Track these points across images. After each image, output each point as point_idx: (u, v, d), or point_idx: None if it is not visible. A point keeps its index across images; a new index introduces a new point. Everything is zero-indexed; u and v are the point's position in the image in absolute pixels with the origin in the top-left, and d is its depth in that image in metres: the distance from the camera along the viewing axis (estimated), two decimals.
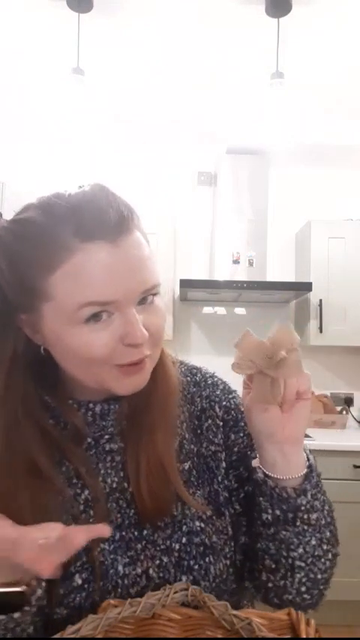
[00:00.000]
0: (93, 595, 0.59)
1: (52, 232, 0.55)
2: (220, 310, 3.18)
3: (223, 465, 0.71)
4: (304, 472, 0.64)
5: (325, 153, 3.17)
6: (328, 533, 0.66)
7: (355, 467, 2.49)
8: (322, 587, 0.66)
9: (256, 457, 0.67)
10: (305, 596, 0.65)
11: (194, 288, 2.80)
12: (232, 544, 0.68)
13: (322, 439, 2.56)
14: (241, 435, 0.73)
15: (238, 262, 2.93)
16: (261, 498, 0.64)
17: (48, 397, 0.64)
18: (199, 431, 0.72)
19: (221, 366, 0.80)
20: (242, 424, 0.73)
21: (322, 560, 0.65)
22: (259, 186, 3.01)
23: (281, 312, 3.19)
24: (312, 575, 0.64)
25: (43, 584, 0.55)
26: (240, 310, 3.16)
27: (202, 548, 0.64)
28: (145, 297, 0.59)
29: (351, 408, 3.12)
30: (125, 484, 0.65)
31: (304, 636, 0.51)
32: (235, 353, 0.60)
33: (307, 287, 2.80)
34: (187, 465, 0.69)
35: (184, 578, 0.62)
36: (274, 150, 3.09)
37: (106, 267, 0.55)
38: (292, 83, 2.30)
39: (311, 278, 2.84)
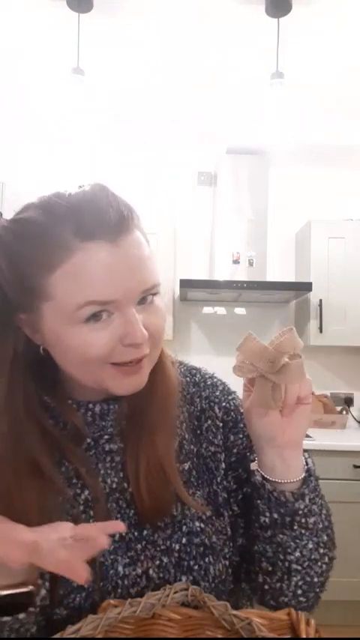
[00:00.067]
0: (93, 595, 0.59)
1: (53, 232, 0.55)
2: (220, 310, 3.18)
3: (223, 465, 0.71)
4: (302, 476, 0.64)
5: (325, 153, 3.17)
6: (325, 537, 0.66)
7: (355, 467, 2.49)
8: (318, 590, 0.66)
9: (255, 459, 0.67)
10: (301, 598, 0.65)
11: (194, 288, 2.80)
12: (231, 545, 0.68)
13: (322, 439, 2.56)
14: (241, 436, 0.73)
15: (238, 262, 2.93)
16: (259, 501, 0.64)
17: (47, 397, 0.64)
18: (198, 431, 0.72)
19: (221, 367, 0.80)
20: (241, 425, 0.73)
21: (319, 563, 0.65)
22: (259, 186, 3.01)
23: (281, 312, 3.19)
24: (308, 579, 0.64)
25: (47, 584, 0.55)
26: (240, 310, 3.16)
27: (202, 549, 0.64)
28: (145, 296, 0.59)
29: (351, 408, 3.13)
30: (125, 484, 0.65)
31: (304, 636, 0.51)
32: (236, 355, 0.60)
33: (307, 287, 2.80)
34: (186, 466, 0.69)
35: (184, 578, 0.62)
36: (274, 150, 3.09)
37: (106, 266, 0.55)
38: (292, 83, 2.30)
39: (311, 278, 2.84)
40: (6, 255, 0.58)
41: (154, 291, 0.59)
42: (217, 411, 0.73)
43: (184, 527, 0.64)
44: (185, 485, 0.66)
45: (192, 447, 0.70)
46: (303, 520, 0.63)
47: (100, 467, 0.65)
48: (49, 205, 0.57)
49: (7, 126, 3.03)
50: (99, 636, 0.50)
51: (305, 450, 0.66)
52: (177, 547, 0.63)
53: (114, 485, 0.65)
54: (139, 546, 0.63)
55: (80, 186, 0.59)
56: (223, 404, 0.74)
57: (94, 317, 0.56)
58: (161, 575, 0.62)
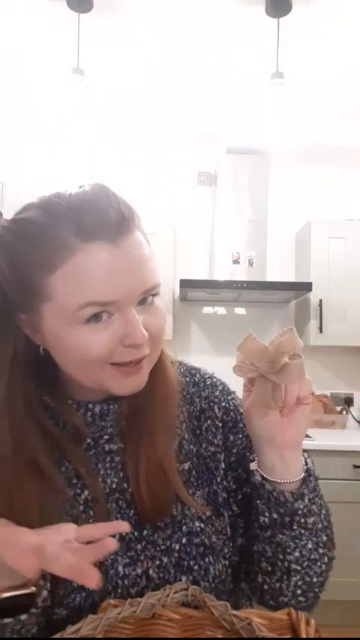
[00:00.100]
0: (93, 595, 0.59)
1: (53, 232, 0.55)
2: (220, 310, 3.18)
3: (222, 465, 0.71)
4: (302, 476, 0.64)
5: (325, 153, 3.17)
6: (324, 537, 0.66)
7: (355, 467, 2.49)
8: (317, 590, 0.66)
9: (254, 459, 0.67)
10: (300, 598, 0.65)
11: (194, 288, 2.80)
12: (231, 545, 0.68)
13: (322, 439, 2.56)
14: (240, 436, 0.73)
15: (238, 262, 2.93)
16: (258, 501, 0.64)
17: (47, 397, 0.64)
18: (198, 431, 0.72)
19: (221, 367, 0.80)
20: (241, 425, 0.73)
21: (318, 563, 0.65)
22: (259, 186, 3.01)
23: (281, 312, 3.19)
24: (308, 579, 0.64)
25: (48, 584, 0.55)
26: (240, 310, 3.16)
27: (202, 549, 0.64)
28: (146, 297, 0.59)
29: (351, 408, 3.12)
30: (125, 484, 0.65)
31: (304, 636, 0.51)
32: (236, 355, 0.60)
33: (307, 287, 2.80)
34: (186, 466, 0.69)
35: (184, 578, 0.62)
36: (274, 150, 3.08)
37: (106, 267, 0.55)
38: (292, 83, 2.30)
39: (311, 278, 2.84)
40: (6, 255, 0.58)
41: (154, 291, 0.59)
42: (216, 411, 0.73)
43: (184, 527, 0.64)
44: (185, 485, 0.66)
45: (192, 447, 0.70)
46: (302, 520, 0.63)
47: (100, 467, 0.65)
48: (50, 205, 0.57)
49: (7, 126, 3.02)
50: (99, 636, 0.50)
51: (305, 450, 0.66)
52: (177, 547, 0.63)
53: (114, 486, 0.65)
54: (139, 546, 0.63)
55: (80, 186, 0.59)
56: (223, 404, 0.74)
57: (95, 317, 0.56)
58: (161, 575, 0.62)
